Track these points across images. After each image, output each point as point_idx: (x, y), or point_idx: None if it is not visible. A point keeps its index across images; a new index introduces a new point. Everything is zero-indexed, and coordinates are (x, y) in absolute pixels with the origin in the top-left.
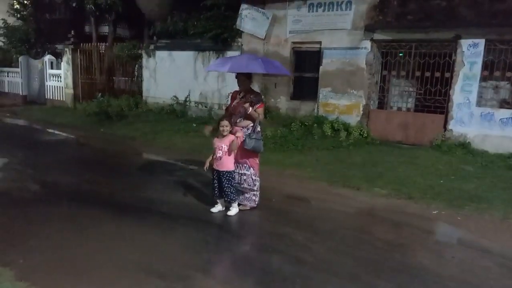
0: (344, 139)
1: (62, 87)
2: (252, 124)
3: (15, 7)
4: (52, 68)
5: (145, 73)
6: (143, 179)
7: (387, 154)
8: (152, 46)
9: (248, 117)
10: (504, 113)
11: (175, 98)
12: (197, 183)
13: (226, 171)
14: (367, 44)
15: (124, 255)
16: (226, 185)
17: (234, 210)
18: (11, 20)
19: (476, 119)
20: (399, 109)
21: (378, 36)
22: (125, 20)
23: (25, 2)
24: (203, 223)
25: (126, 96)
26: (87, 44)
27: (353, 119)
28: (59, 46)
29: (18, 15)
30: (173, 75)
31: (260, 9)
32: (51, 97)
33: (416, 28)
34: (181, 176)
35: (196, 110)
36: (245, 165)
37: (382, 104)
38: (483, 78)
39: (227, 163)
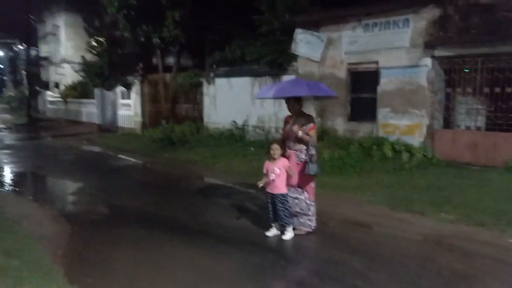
0: (407, 161)
1: (132, 116)
2: (305, 148)
3: (92, 44)
4: (123, 98)
5: (206, 100)
6: (202, 203)
7: (454, 176)
8: (212, 74)
9: (300, 140)
10: None
11: (233, 123)
12: (254, 207)
13: (280, 194)
14: (428, 61)
15: (181, 277)
16: (281, 208)
17: (289, 235)
18: (89, 57)
19: None
20: (467, 128)
21: (439, 52)
22: (188, 50)
23: (101, 39)
24: (259, 247)
25: (188, 122)
26: (153, 75)
27: (415, 139)
28: (129, 78)
29: (94, 52)
30: (231, 101)
31: (314, 32)
32: (122, 125)
33: (480, 43)
34: (239, 200)
35: (254, 134)
36: (299, 189)
37: (447, 124)
38: None
39: (280, 186)
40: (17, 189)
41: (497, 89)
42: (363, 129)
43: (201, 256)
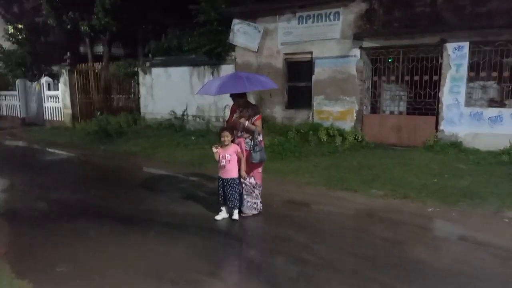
0: (340, 144)
1: (60, 108)
2: (251, 137)
3: (10, 31)
4: (49, 89)
5: (142, 90)
6: (146, 193)
7: (382, 156)
8: (148, 64)
9: (247, 130)
10: (493, 111)
11: (172, 113)
12: (200, 194)
13: (231, 179)
14: (357, 52)
15: (135, 264)
16: (230, 192)
17: (236, 216)
18: (7, 45)
19: (465, 118)
20: (392, 112)
21: (366, 43)
22: (119, 39)
23: (20, 26)
24: (208, 230)
25: (124, 114)
26: (83, 65)
27: (347, 124)
28: (55, 68)
29: (13, 40)
30: (169, 91)
31: (251, 23)
32: (49, 118)
33: (402, 35)
34: (183, 188)
35: (194, 123)
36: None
37: (374, 109)
38: (470, 79)
39: (231, 171)
40: None
41: (416, 77)
42: (299, 116)
43: (153, 243)
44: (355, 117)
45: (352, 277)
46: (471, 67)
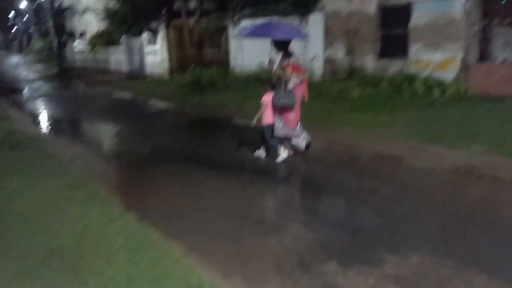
0: (439, 97)
1: (159, 62)
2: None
3: None
4: (149, 44)
5: (232, 43)
6: (234, 143)
7: (487, 110)
8: (236, 17)
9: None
10: None
11: (261, 65)
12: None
13: (264, 125)
14: None
15: (218, 200)
16: (265, 135)
17: (280, 157)
18: (111, 4)
19: None
20: (504, 60)
21: None
22: None
23: None
24: (292, 178)
25: (216, 66)
26: (177, 20)
27: (448, 74)
28: (154, 24)
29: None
30: (257, 43)
31: None
32: (150, 71)
33: None
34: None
35: None
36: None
37: (483, 57)
38: None
39: (264, 117)
40: (63, 134)
41: None
42: (393, 66)
43: (243, 188)
44: (458, 66)
45: (440, 233)
46: None
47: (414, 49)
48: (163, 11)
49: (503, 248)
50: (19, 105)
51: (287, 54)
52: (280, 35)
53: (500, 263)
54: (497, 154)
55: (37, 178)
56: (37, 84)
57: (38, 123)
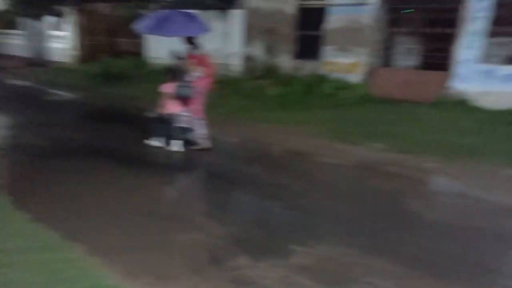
0: (347, 98)
1: (66, 49)
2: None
3: None
4: (55, 30)
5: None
6: (143, 135)
7: (388, 111)
8: (153, 6)
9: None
10: (507, 69)
11: (174, 56)
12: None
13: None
14: (374, 0)
15: (131, 201)
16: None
17: (175, 147)
18: None
19: (477, 75)
20: (403, 67)
21: None
22: None
23: None
24: (206, 174)
25: (129, 57)
26: (89, 5)
27: (356, 77)
28: (60, 7)
29: None
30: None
31: None
32: (55, 59)
33: None
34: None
35: None
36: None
37: (386, 62)
38: (490, 34)
39: (165, 108)
40: None
41: (433, 30)
42: (308, 67)
43: (150, 183)
44: (365, 70)
45: (344, 224)
46: (494, 21)
47: (327, 51)
48: None
49: (401, 234)
50: None
51: (192, 46)
52: (180, 32)
53: (398, 248)
54: (395, 152)
55: None
56: None
57: None
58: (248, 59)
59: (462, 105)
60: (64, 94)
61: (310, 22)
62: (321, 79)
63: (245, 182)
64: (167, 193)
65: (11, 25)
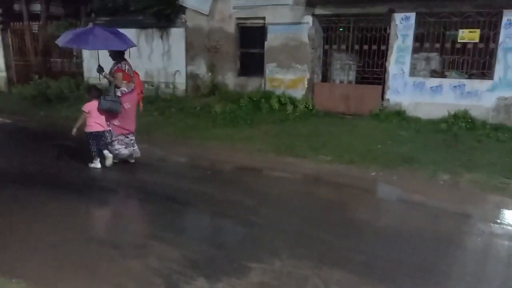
0: (291, 112)
1: None
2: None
3: None
4: None
5: (85, 53)
6: (88, 160)
7: (330, 124)
8: (90, 25)
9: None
10: (434, 81)
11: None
12: (147, 160)
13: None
14: (309, 19)
15: (72, 228)
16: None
17: (95, 164)
18: None
19: (409, 88)
20: (341, 81)
21: (318, 11)
22: None
23: None
24: (154, 196)
25: (66, 78)
26: (18, 24)
27: (298, 92)
28: None
29: None
30: None
31: None
32: None
33: (353, 3)
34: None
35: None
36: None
37: (325, 78)
38: (415, 50)
39: (88, 126)
40: None
41: (366, 47)
42: (252, 84)
43: (92, 208)
44: (306, 86)
45: (296, 237)
46: (416, 38)
47: (269, 68)
48: None
49: (351, 243)
50: None
51: (118, 61)
52: (101, 46)
53: (350, 257)
54: (339, 163)
55: None
56: None
57: None
58: (192, 77)
59: (398, 116)
60: None
61: (251, 40)
62: (266, 95)
63: (195, 201)
64: (113, 218)
65: None
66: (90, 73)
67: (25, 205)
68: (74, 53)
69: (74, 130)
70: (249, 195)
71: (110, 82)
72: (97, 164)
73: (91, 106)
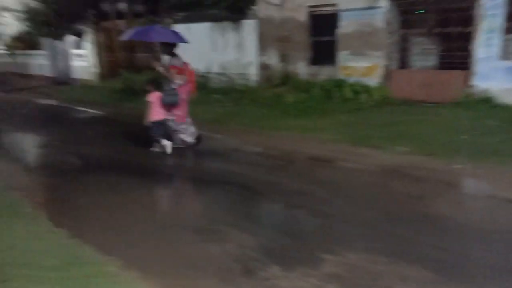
0: (365, 101)
1: (87, 66)
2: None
3: None
4: (75, 48)
5: None
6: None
7: (408, 113)
8: (169, 20)
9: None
10: None
11: (196, 71)
12: (222, 150)
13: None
14: (385, 2)
15: (160, 216)
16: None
17: (157, 147)
18: (33, 4)
19: (500, 73)
20: (421, 68)
21: None
22: None
23: None
24: (230, 185)
25: (149, 71)
26: (107, 23)
27: (373, 80)
28: (80, 26)
29: None
30: (192, 48)
31: None
32: (77, 77)
33: None
34: (208, 145)
35: (217, 81)
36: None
37: (403, 64)
38: (508, 30)
39: (152, 115)
40: None
41: (448, 29)
42: (324, 72)
43: (176, 195)
44: (381, 73)
45: (371, 230)
46: (509, 17)
47: (342, 56)
48: (90, 12)
49: (429, 240)
50: None
51: (172, 56)
52: (158, 38)
53: (428, 254)
54: (419, 154)
55: None
56: None
57: None
58: (264, 68)
59: (485, 103)
60: (88, 111)
61: (323, 28)
62: (339, 84)
63: (270, 191)
64: (194, 205)
65: (33, 45)
66: None
67: (120, 191)
68: (155, 48)
69: (147, 120)
70: (322, 186)
71: (165, 77)
72: (159, 147)
73: (154, 97)
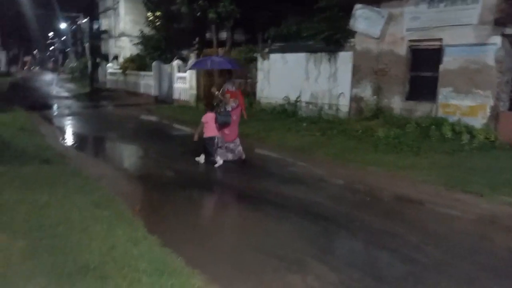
0: (467, 143)
1: (187, 89)
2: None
3: (149, 19)
4: (179, 71)
5: (259, 75)
6: (256, 172)
7: None
8: (266, 49)
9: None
10: None
11: (286, 98)
12: (307, 179)
13: (205, 137)
14: (497, 39)
15: (244, 238)
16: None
17: (202, 159)
18: (146, 30)
19: None
20: None
21: (510, 30)
22: (241, 25)
23: (157, 14)
24: (314, 215)
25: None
26: (208, 49)
27: (477, 121)
28: (185, 52)
29: (152, 25)
30: (285, 77)
31: (375, 7)
32: (177, 97)
33: None
34: (292, 172)
35: (306, 110)
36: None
37: None
38: None
39: (206, 132)
40: (90, 152)
41: None
42: (421, 109)
43: (261, 220)
44: (488, 114)
45: (467, 285)
46: None
47: (443, 93)
48: (196, 40)
49: None
50: (49, 120)
51: (229, 82)
52: (214, 66)
53: None
54: None
55: (66, 194)
56: (68, 102)
57: (67, 139)
58: (356, 100)
59: None
60: (183, 129)
61: (423, 62)
62: (438, 122)
63: (354, 227)
64: (277, 231)
65: (143, 67)
66: (262, 93)
67: (210, 208)
68: (249, 75)
69: (196, 136)
70: (412, 230)
71: (221, 100)
72: (216, 160)
73: (208, 117)
